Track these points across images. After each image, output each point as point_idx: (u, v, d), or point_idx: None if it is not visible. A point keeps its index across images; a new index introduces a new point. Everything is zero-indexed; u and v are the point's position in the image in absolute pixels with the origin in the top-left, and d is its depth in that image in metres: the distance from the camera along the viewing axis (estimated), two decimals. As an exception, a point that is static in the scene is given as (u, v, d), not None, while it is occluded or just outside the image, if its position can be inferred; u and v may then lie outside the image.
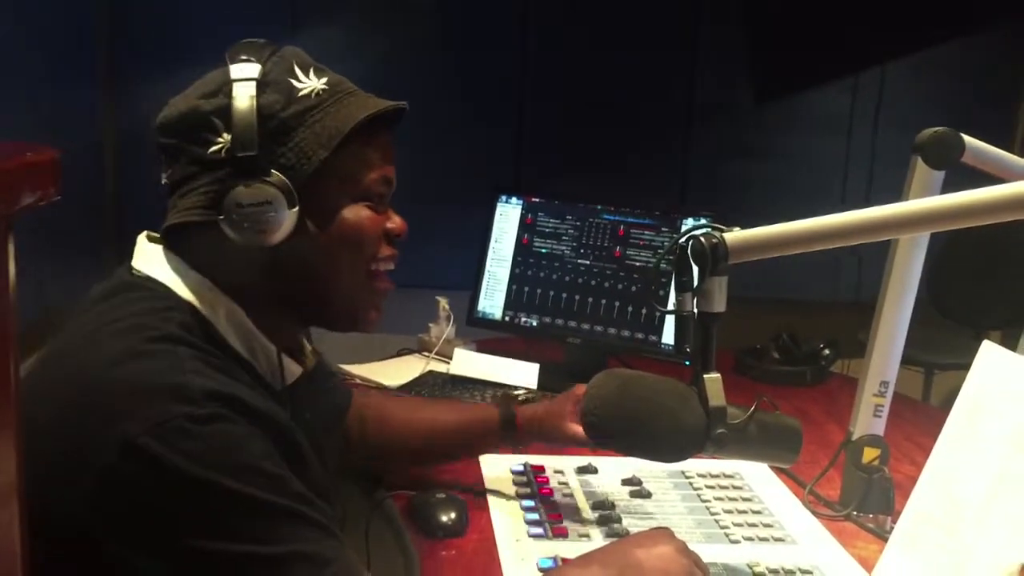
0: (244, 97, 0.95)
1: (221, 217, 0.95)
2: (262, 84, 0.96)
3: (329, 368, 1.33)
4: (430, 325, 2.28)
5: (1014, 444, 1.08)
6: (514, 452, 1.54)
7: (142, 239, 1.03)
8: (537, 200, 2.17)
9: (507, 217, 2.19)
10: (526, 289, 2.14)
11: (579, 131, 3.73)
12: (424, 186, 3.69)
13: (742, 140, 3.94)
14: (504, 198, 2.20)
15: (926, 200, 0.99)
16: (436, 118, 3.62)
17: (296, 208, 0.96)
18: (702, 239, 1.08)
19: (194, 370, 0.89)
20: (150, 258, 1.01)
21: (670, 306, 1.14)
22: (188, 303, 0.96)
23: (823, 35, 3.79)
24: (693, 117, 3.88)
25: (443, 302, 2.27)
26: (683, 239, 1.09)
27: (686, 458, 1.14)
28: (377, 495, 1.42)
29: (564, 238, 2.12)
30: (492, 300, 2.18)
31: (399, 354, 2.27)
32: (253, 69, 0.96)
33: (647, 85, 3.78)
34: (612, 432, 1.11)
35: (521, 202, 2.18)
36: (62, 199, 0.46)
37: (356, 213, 1.02)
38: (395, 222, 1.07)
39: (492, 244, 2.19)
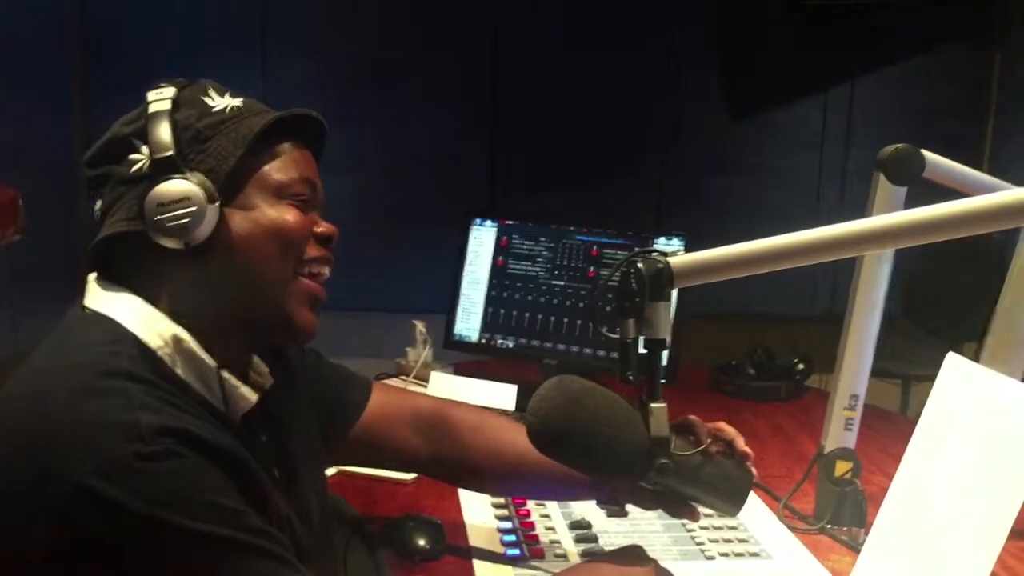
0: (159, 112, 0.98)
1: (145, 222, 0.95)
2: (176, 103, 1.00)
3: (317, 366, 1.31)
4: (407, 349, 2.28)
5: (980, 452, 1.09)
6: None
7: (92, 277, 1.03)
8: (511, 222, 2.19)
9: (481, 240, 2.20)
10: (502, 311, 2.16)
11: (554, 152, 3.75)
12: (398, 210, 3.72)
13: (717, 158, 3.96)
14: (478, 221, 2.22)
15: (877, 218, 1.00)
16: (408, 143, 3.64)
17: (217, 204, 0.97)
18: (641, 264, 1.05)
19: (143, 405, 0.88)
20: (97, 294, 1.00)
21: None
22: (135, 338, 0.95)
23: (794, 52, 3.83)
24: (668, 136, 3.91)
25: (420, 326, 2.28)
26: (624, 265, 1.06)
27: (626, 480, 1.11)
28: (354, 519, 1.42)
29: (538, 259, 2.14)
30: (468, 323, 2.19)
31: (377, 378, 2.25)
32: (168, 92, 1.00)
33: (621, 105, 3.80)
34: (550, 439, 1.07)
35: (495, 224, 2.20)
36: (35, 235, 0.47)
37: (278, 210, 1.02)
38: (323, 225, 1.07)
39: (467, 267, 2.20)
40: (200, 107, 1.01)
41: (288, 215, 1.02)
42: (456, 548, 1.36)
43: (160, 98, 0.99)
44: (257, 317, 1.03)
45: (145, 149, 0.98)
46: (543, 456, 1.17)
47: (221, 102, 1.02)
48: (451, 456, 1.36)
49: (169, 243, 0.96)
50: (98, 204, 1.02)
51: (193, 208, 0.95)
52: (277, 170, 1.03)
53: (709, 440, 1.11)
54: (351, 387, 1.36)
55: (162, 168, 0.96)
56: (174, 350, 0.96)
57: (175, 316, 0.98)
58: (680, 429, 1.11)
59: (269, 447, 1.07)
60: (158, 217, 0.95)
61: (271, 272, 1.02)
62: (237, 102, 1.03)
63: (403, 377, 2.23)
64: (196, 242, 0.96)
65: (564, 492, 1.38)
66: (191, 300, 0.98)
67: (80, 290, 1.02)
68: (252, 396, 1.03)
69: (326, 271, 1.07)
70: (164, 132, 0.97)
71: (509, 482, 1.38)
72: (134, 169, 0.98)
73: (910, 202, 1.32)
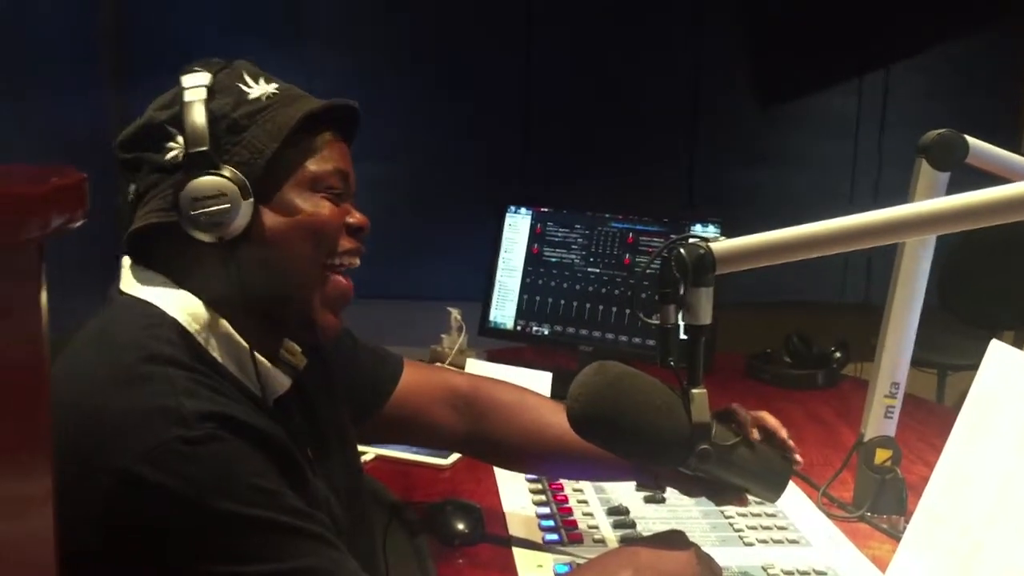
0: (194, 101, 0.98)
1: (180, 215, 0.96)
2: (212, 90, 0.99)
3: (351, 347, 1.31)
4: (442, 336, 2.29)
5: (1023, 442, 1.08)
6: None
7: (127, 261, 1.04)
8: (546, 210, 2.19)
9: (516, 227, 2.20)
10: (537, 298, 2.16)
11: (586, 140, 3.74)
12: (433, 198, 3.73)
13: (749, 144, 3.93)
14: (513, 208, 2.22)
15: (921, 204, 0.99)
16: (442, 131, 3.64)
17: (251, 200, 0.97)
18: (683, 250, 1.04)
19: (185, 391, 0.89)
20: (135, 278, 1.01)
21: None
22: (175, 321, 0.97)
23: (826, 37, 3.79)
24: (699, 122, 3.88)
25: (455, 313, 2.29)
26: (665, 250, 1.06)
27: (666, 465, 1.11)
28: (393, 504, 1.44)
29: (573, 247, 2.14)
30: (503, 310, 2.20)
31: (412, 365, 2.28)
32: (203, 78, 1.00)
33: (652, 92, 3.78)
34: (591, 423, 1.07)
35: (530, 212, 2.20)
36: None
37: (313, 203, 1.02)
38: (355, 216, 1.07)
39: (502, 254, 2.21)
40: (236, 94, 1.01)
41: (323, 209, 1.03)
42: (494, 533, 1.37)
43: (195, 84, 0.99)
44: (283, 313, 1.04)
45: (180, 138, 0.98)
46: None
47: (257, 89, 1.02)
48: (488, 434, 1.36)
49: (203, 236, 0.96)
50: (131, 188, 1.02)
51: (227, 204, 0.96)
52: (312, 163, 1.03)
53: (751, 428, 1.11)
54: (384, 364, 1.36)
55: (197, 162, 0.96)
56: (210, 333, 0.98)
57: (208, 302, 0.99)
58: (721, 417, 1.11)
59: (302, 427, 1.08)
60: (193, 212, 0.95)
61: (303, 267, 1.03)
62: (273, 88, 1.03)
63: (438, 364, 2.24)
64: (229, 236, 0.97)
65: (604, 474, 1.38)
66: (223, 288, 0.99)
67: (114, 275, 1.03)
68: (287, 380, 1.05)
69: (356, 262, 1.08)
70: (199, 122, 0.97)
71: (547, 462, 1.38)
72: (169, 157, 0.98)
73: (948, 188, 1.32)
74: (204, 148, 0.96)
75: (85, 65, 3.43)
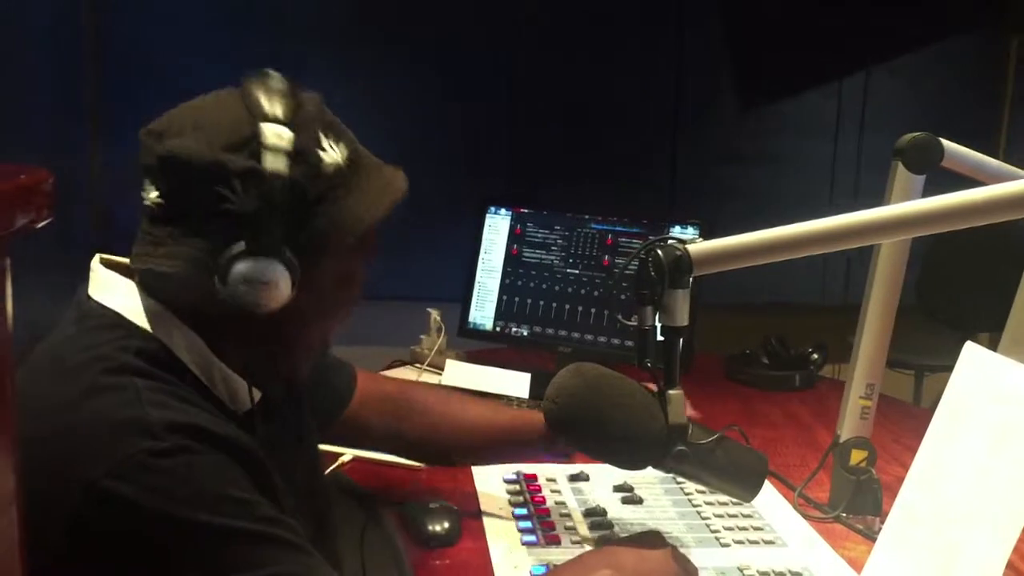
0: (277, 172, 0.90)
1: (221, 281, 0.91)
2: (292, 155, 0.91)
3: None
4: (422, 337, 2.29)
5: (997, 442, 1.09)
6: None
7: (97, 264, 1.01)
8: (525, 211, 2.19)
9: (496, 228, 2.20)
10: (516, 299, 2.16)
11: (568, 142, 3.75)
12: (413, 199, 3.69)
13: (730, 146, 3.95)
14: (493, 209, 2.22)
15: (896, 207, 1.01)
16: (423, 132, 3.63)
17: (295, 289, 0.93)
18: (660, 252, 1.05)
19: (152, 402, 0.88)
20: (105, 286, 0.98)
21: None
22: (144, 331, 0.94)
23: (808, 38, 3.81)
24: (681, 125, 3.90)
25: (434, 314, 2.28)
26: (643, 251, 1.07)
27: (642, 467, 1.12)
28: (370, 505, 1.43)
29: (553, 248, 2.14)
30: (483, 311, 2.19)
31: (391, 366, 2.28)
32: (285, 136, 0.91)
33: (635, 93, 3.79)
34: (569, 424, 1.09)
35: (510, 213, 2.20)
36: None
37: (347, 295, 1.03)
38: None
39: (482, 255, 2.21)
40: (313, 165, 0.94)
41: (353, 298, 1.04)
42: (472, 534, 1.36)
43: (276, 147, 0.91)
44: (265, 372, 1.03)
45: (246, 200, 0.90)
46: (498, 423, 1.41)
47: (331, 156, 0.95)
48: (407, 432, 1.44)
49: (234, 306, 0.92)
50: (153, 194, 0.94)
51: (276, 294, 0.92)
52: (358, 257, 1.02)
53: (724, 427, 1.12)
54: (341, 372, 1.40)
55: (259, 241, 0.90)
56: (179, 345, 0.96)
57: (192, 324, 0.97)
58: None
59: (269, 434, 1.06)
60: (237, 287, 0.90)
61: (311, 344, 1.06)
62: (343, 156, 0.97)
63: (417, 365, 2.24)
64: (258, 314, 0.93)
65: (517, 457, 1.53)
66: (216, 327, 0.97)
67: (80, 275, 1.01)
68: (256, 393, 1.03)
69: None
70: (275, 203, 0.90)
71: (466, 454, 1.49)
72: (225, 207, 0.90)
73: (926, 190, 1.32)
74: (272, 235, 0.91)
75: (61, 60, 3.40)
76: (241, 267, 0.90)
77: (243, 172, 0.90)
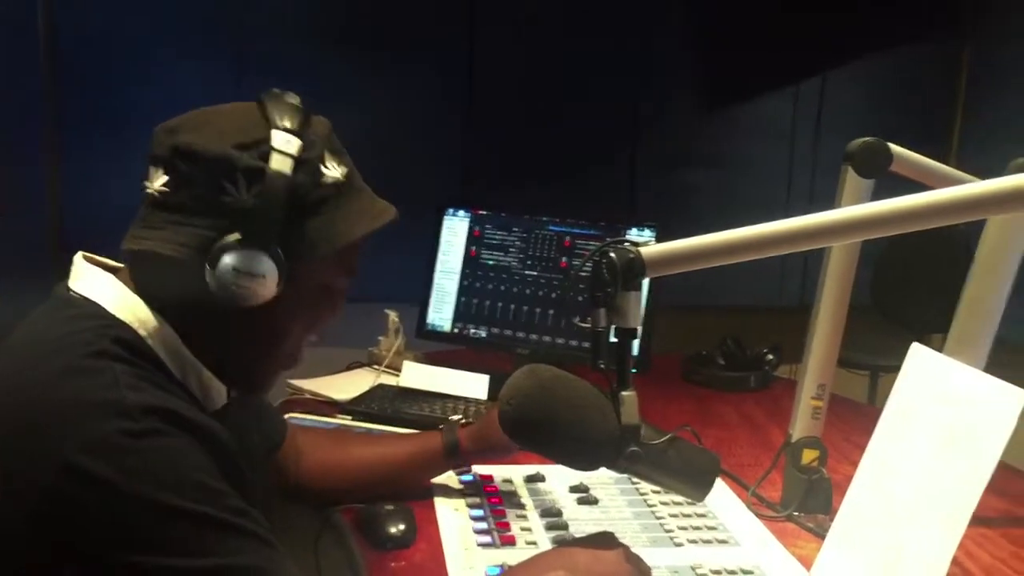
0: (280, 173, 0.96)
1: (211, 272, 0.95)
2: (297, 161, 0.98)
3: (264, 398, 1.34)
4: (380, 338, 2.29)
5: (942, 442, 1.11)
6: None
7: (79, 259, 1.04)
8: (484, 213, 2.20)
9: (454, 230, 2.20)
10: (475, 301, 2.16)
11: (526, 144, 3.75)
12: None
13: (690, 148, 3.99)
14: (451, 211, 2.22)
15: (843, 210, 1.01)
16: (380, 132, 3.61)
17: (281, 285, 0.98)
18: (614, 254, 1.06)
19: (130, 385, 0.90)
20: (86, 279, 1.01)
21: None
22: (122, 322, 0.97)
23: (767, 42, 3.85)
24: (641, 127, 3.92)
25: (392, 315, 2.28)
26: (597, 254, 1.08)
27: (595, 468, 1.12)
28: (325, 508, 1.43)
29: (511, 250, 2.15)
30: (441, 312, 2.19)
31: (349, 367, 2.27)
32: (294, 144, 0.98)
33: (592, 95, 3.81)
34: (522, 426, 1.09)
35: (468, 215, 2.20)
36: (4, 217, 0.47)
37: (330, 300, 1.08)
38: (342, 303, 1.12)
39: (440, 257, 2.21)
40: (314, 175, 1.00)
41: (336, 305, 1.09)
42: (427, 535, 1.36)
43: (285, 151, 0.97)
44: (236, 371, 1.06)
45: (246, 195, 0.96)
46: (395, 457, 1.45)
47: (331, 172, 1.02)
48: (307, 477, 1.44)
49: (218, 296, 0.96)
50: (159, 182, 0.98)
51: (264, 288, 0.97)
52: (343, 267, 1.06)
53: (677, 428, 1.13)
54: (274, 420, 1.42)
55: (253, 234, 0.96)
56: (156, 339, 0.98)
57: (170, 320, 0.99)
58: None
59: (235, 432, 1.07)
60: (227, 280, 0.95)
61: (286, 348, 1.07)
62: (342, 174, 1.03)
63: (375, 366, 2.23)
64: (238, 308, 0.98)
65: (423, 479, 1.51)
66: (193, 322, 1.00)
67: (57, 270, 1.02)
68: (225, 395, 1.06)
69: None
70: (276, 202, 0.96)
71: (371, 489, 1.44)
72: (225, 199, 0.96)
73: (878, 193, 1.34)
74: (270, 229, 0.96)
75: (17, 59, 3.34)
76: (232, 256, 0.95)
77: (249, 169, 0.96)
